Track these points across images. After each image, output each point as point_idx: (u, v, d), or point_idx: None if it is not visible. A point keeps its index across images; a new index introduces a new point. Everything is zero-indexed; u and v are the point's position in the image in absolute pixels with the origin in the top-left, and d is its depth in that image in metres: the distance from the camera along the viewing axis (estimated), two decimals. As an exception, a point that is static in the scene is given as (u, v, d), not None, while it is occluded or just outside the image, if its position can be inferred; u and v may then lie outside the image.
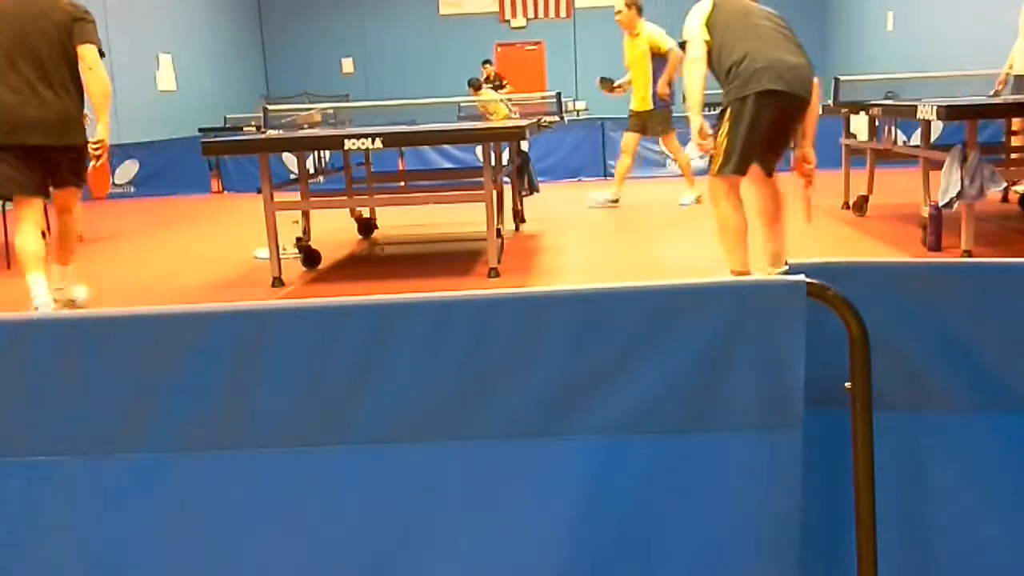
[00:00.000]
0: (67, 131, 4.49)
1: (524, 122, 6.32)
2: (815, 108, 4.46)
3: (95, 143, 4.55)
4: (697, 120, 4.44)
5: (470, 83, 13.63)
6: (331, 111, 12.06)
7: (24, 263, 4.48)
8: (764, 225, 4.67)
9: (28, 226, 4.50)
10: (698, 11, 4.49)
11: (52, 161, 4.53)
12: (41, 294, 4.42)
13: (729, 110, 4.36)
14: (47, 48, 4.41)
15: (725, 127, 4.37)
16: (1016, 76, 6.81)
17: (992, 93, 7.05)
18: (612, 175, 10.67)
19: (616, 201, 8.17)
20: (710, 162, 4.48)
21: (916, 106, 5.24)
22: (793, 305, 1.14)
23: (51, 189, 4.64)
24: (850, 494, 1.16)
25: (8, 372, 1.17)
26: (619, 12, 7.80)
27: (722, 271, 4.55)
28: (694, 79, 4.46)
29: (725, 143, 4.37)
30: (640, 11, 7.80)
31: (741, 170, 4.40)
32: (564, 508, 1.19)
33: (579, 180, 10.68)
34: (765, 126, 4.31)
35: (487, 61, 16.43)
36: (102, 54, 4.59)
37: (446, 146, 10.29)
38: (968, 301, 1.19)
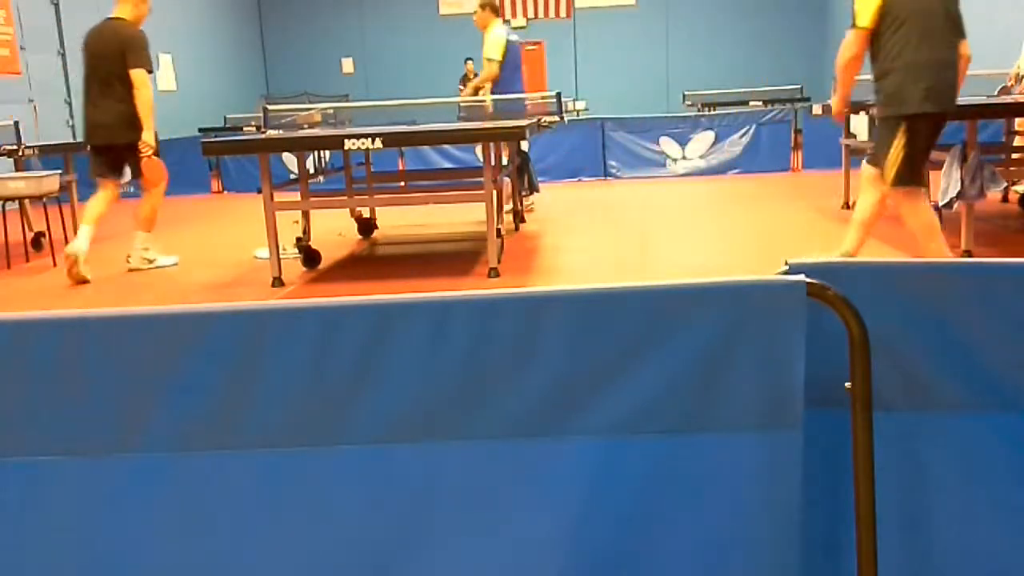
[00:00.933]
0: (117, 133, 5.85)
1: (524, 122, 6.32)
2: (964, 70, 4.32)
3: (143, 145, 5.85)
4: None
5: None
6: (331, 111, 12.07)
7: (83, 216, 5.98)
8: (853, 222, 4.59)
9: (98, 195, 6.06)
10: None
11: (118, 156, 5.97)
12: (80, 240, 5.71)
13: (890, 124, 4.24)
14: (107, 69, 5.77)
15: (897, 141, 4.25)
16: None
17: (1002, 89, 7.01)
18: (612, 175, 10.70)
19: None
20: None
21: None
22: (793, 305, 1.14)
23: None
24: (850, 494, 1.16)
25: (8, 372, 1.17)
26: (474, 12, 7.84)
27: (720, 271, 4.55)
28: (846, 79, 4.45)
29: (897, 157, 4.26)
30: (495, 12, 7.81)
31: (917, 181, 4.35)
32: (564, 508, 1.19)
33: (579, 180, 10.69)
34: (923, 143, 4.25)
35: (469, 58, 16.41)
36: (150, 70, 5.86)
37: (446, 146, 10.29)
38: (968, 301, 1.19)
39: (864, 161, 4.55)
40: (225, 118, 15.60)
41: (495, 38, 7.69)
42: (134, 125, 5.81)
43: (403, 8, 18.84)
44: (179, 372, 1.17)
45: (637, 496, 1.19)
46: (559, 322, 1.16)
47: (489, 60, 7.63)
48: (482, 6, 7.75)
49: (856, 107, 6.76)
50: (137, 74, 5.74)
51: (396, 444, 1.19)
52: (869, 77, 4.52)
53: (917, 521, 1.24)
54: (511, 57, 7.70)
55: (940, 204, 5.12)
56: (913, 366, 1.20)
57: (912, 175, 4.30)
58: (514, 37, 7.88)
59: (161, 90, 15.13)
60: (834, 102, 4.75)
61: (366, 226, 7.18)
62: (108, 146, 5.91)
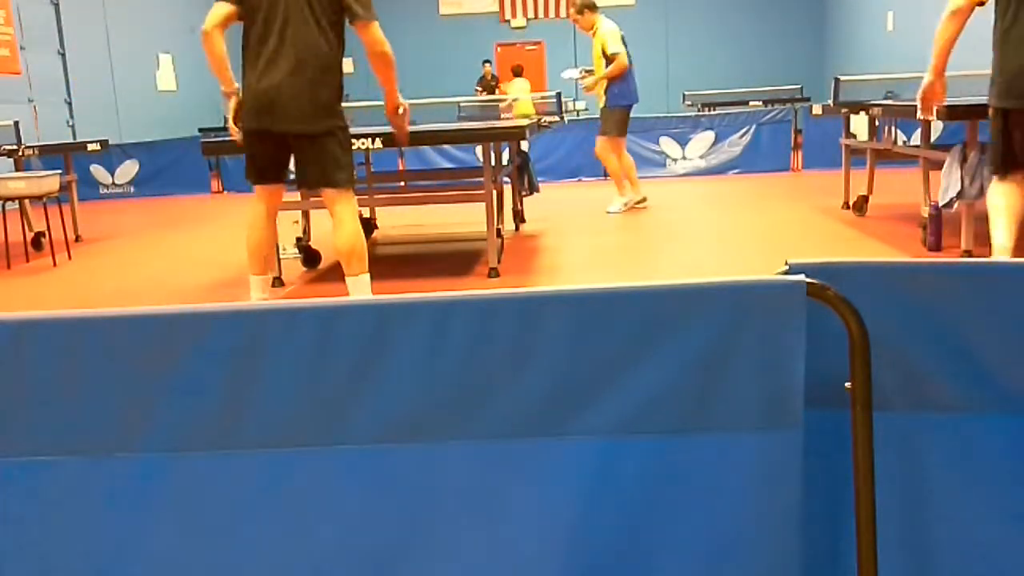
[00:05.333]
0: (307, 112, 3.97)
1: (524, 122, 6.32)
2: None
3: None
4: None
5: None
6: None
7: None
8: None
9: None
10: None
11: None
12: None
13: None
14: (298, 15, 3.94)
15: None
16: None
17: None
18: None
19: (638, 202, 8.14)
20: None
21: (916, 106, 5.24)
22: (793, 305, 1.14)
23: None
24: (850, 494, 1.16)
25: (8, 372, 1.17)
26: (575, 18, 7.80)
27: (720, 271, 4.55)
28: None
29: None
30: (594, 7, 7.75)
31: None
32: (564, 508, 1.19)
33: (579, 180, 10.69)
34: None
35: (487, 60, 16.54)
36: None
37: (446, 146, 10.29)
38: (968, 301, 1.19)
39: None
40: (225, 118, 15.61)
41: (610, 31, 7.64)
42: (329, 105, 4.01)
43: (403, 8, 18.84)
44: (179, 372, 1.17)
45: (637, 496, 1.19)
46: (559, 322, 1.16)
47: (615, 54, 7.58)
48: (580, 10, 7.70)
49: (856, 107, 6.77)
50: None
51: (396, 444, 1.19)
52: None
53: (917, 521, 1.24)
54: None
55: (940, 204, 5.12)
56: (913, 366, 1.20)
57: None
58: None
59: (161, 90, 15.16)
60: None
61: (366, 226, 7.18)
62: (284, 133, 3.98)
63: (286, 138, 3.97)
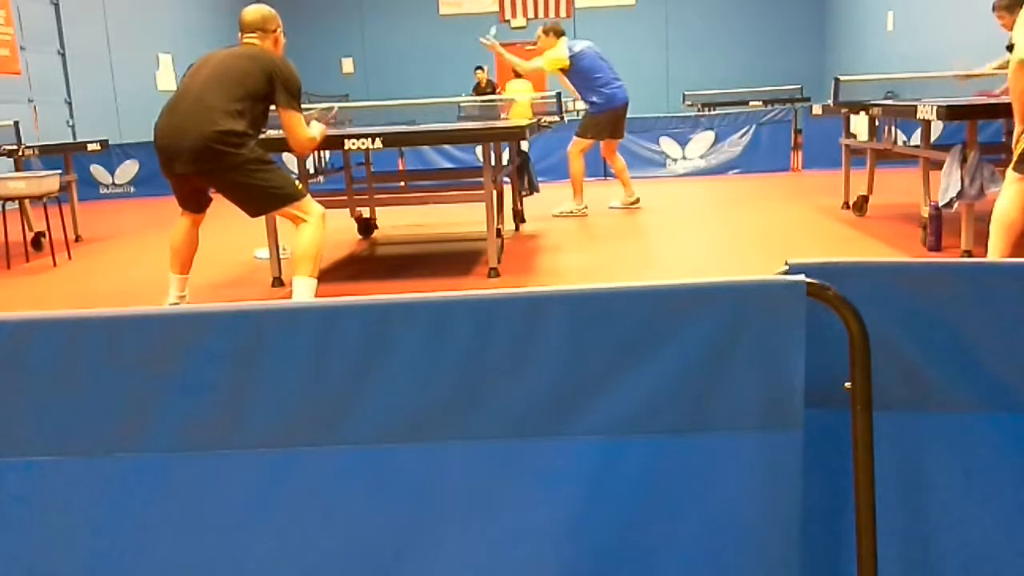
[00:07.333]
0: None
1: (524, 122, 6.32)
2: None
3: None
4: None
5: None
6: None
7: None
8: None
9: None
10: None
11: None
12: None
13: None
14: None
15: None
16: None
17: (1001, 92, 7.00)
18: (612, 175, 10.69)
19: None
20: None
21: (916, 106, 5.24)
22: (793, 305, 1.14)
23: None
24: (850, 494, 1.16)
25: (8, 372, 1.17)
26: (541, 37, 7.96)
27: (721, 271, 4.55)
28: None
29: None
30: (560, 35, 7.96)
31: None
32: (564, 508, 1.19)
33: (579, 180, 10.66)
34: None
35: (479, 67, 16.39)
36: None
37: (446, 146, 10.29)
38: (968, 301, 1.19)
39: None
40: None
41: (549, 58, 7.81)
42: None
43: (403, 8, 18.83)
44: (179, 372, 1.17)
45: (637, 496, 1.19)
46: (559, 322, 1.16)
47: (535, 68, 7.89)
48: (546, 32, 7.91)
49: (856, 107, 6.76)
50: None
51: (396, 444, 1.19)
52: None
53: (917, 521, 1.24)
54: (581, 65, 7.72)
55: (940, 204, 5.12)
56: (913, 366, 1.21)
57: None
58: (580, 45, 7.91)
59: (161, 90, 15.14)
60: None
61: (366, 226, 7.18)
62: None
63: (190, 178, 4.23)
